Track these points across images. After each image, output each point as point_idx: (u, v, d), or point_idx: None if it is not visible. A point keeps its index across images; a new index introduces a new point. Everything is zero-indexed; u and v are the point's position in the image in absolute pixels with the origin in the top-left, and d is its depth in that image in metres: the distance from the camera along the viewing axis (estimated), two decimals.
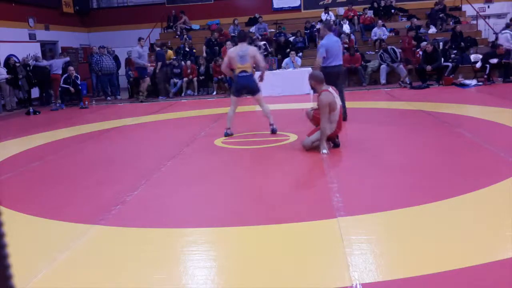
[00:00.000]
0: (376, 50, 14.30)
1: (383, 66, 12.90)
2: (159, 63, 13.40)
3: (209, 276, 2.60)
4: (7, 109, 12.89)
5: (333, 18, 15.85)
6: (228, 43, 13.55)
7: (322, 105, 5.20)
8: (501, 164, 4.46)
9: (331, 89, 5.34)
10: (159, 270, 2.70)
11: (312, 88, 5.72)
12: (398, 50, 13.00)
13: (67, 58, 14.45)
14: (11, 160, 6.32)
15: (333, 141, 5.54)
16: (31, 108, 12.14)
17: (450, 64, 12.26)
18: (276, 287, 2.44)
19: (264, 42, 14.49)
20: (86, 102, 12.80)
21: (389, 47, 12.97)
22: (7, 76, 12.66)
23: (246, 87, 6.62)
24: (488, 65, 11.46)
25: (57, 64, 13.82)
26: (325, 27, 7.68)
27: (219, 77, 13.43)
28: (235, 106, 6.76)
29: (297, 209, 3.59)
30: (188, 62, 13.85)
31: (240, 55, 6.48)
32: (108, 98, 14.13)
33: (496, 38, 13.02)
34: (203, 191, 4.34)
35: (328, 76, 6.07)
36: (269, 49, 14.34)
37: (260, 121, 6.50)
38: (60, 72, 13.55)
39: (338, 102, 5.36)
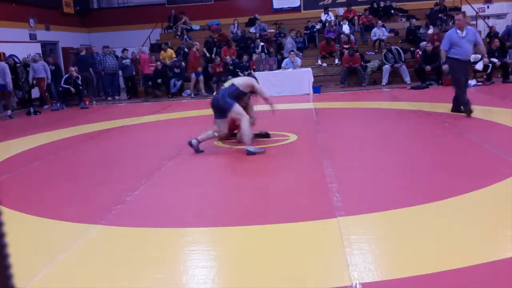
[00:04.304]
0: (376, 51, 14.30)
1: (386, 66, 12.87)
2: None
3: (209, 276, 2.61)
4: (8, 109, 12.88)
5: (332, 18, 15.85)
6: (195, 43, 13.72)
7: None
8: (501, 164, 4.46)
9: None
10: (159, 270, 2.70)
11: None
12: (401, 51, 13.00)
13: (52, 67, 13.72)
14: (11, 160, 6.33)
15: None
16: (31, 108, 12.14)
17: None
18: (276, 287, 2.44)
19: (263, 44, 14.52)
20: (87, 102, 12.81)
21: (393, 47, 12.97)
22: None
23: (214, 107, 5.73)
24: (490, 65, 11.45)
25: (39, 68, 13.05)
26: (464, 16, 7.31)
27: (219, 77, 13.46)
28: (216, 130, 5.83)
29: (297, 209, 3.59)
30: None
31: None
32: (109, 98, 14.17)
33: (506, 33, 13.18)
34: (203, 191, 4.34)
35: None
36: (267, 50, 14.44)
37: (260, 122, 6.49)
38: (44, 75, 13.02)
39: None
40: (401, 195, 3.79)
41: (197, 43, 14.06)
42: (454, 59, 7.05)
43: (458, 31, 7.05)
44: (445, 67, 7.30)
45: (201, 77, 13.46)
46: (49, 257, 2.95)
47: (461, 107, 7.21)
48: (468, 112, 7.02)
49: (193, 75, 13.37)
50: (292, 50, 12.99)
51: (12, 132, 8.97)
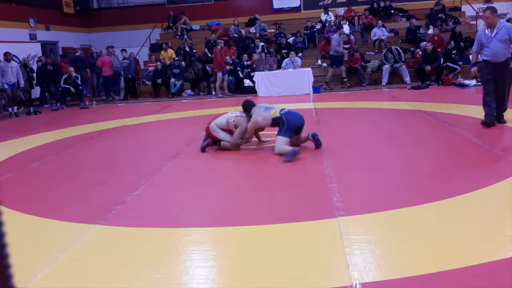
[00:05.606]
0: (376, 51, 14.31)
1: (386, 66, 12.87)
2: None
3: (209, 275, 2.60)
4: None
5: (332, 18, 15.86)
6: (219, 41, 13.56)
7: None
8: (501, 164, 4.46)
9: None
10: (159, 270, 2.70)
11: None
12: (401, 51, 13.00)
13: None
14: (11, 160, 6.33)
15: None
16: (31, 108, 12.15)
17: (459, 68, 12.30)
18: (276, 287, 2.44)
19: (263, 44, 14.51)
20: (87, 102, 12.82)
21: (393, 47, 12.97)
22: None
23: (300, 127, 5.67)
24: None
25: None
26: (493, 12, 6.26)
27: None
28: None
29: (297, 209, 3.59)
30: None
31: (265, 107, 5.77)
32: (110, 98, 14.17)
33: None
34: (203, 191, 4.34)
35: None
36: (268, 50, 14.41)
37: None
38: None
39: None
40: (401, 195, 3.79)
41: (222, 41, 13.62)
42: (483, 61, 6.30)
43: (487, 30, 6.29)
44: (473, 69, 6.59)
45: (226, 76, 13.01)
46: (49, 257, 2.95)
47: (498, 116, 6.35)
48: (485, 124, 6.15)
49: (219, 74, 12.89)
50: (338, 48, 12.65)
51: (12, 132, 8.97)
